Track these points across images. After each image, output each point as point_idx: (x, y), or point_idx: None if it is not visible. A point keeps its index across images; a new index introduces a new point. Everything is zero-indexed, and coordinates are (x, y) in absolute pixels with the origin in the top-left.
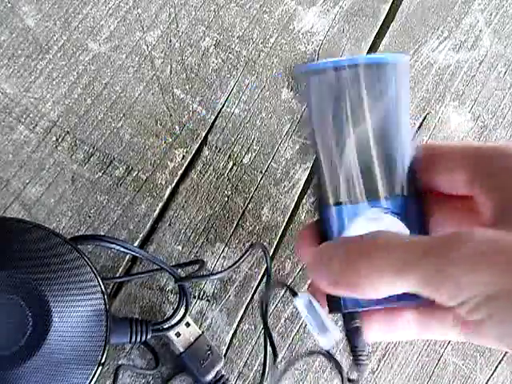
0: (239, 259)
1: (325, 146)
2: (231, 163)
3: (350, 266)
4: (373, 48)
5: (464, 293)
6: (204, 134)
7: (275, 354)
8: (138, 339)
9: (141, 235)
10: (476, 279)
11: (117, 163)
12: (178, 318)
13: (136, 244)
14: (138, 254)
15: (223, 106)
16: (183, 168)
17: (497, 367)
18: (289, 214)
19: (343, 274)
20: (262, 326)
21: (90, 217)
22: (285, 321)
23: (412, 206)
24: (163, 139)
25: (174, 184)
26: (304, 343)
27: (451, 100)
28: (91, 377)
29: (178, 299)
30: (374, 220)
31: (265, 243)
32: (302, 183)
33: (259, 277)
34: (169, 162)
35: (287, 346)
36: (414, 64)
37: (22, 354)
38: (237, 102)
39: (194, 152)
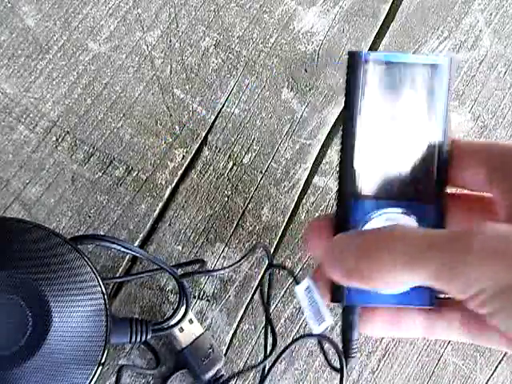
0: (241, 259)
1: (364, 136)
2: (231, 163)
3: (366, 257)
4: (373, 48)
5: (475, 286)
6: (204, 134)
7: (275, 339)
8: (138, 339)
9: (141, 235)
10: (487, 273)
11: (117, 163)
12: (178, 317)
13: (136, 244)
14: (138, 254)
15: (223, 106)
16: (183, 168)
17: (497, 367)
18: (289, 213)
19: (358, 264)
20: (262, 326)
21: (90, 217)
22: (285, 321)
23: (431, 211)
24: (163, 139)
25: (174, 184)
26: (304, 343)
27: (451, 100)
28: (91, 377)
29: (178, 299)
30: (391, 220)
31: (265, 243)
32: (301, 183)
33: (259, 277)
34: (169, 162)
35: (282, 348)
36: None
37: (22, 354)
38: (237, 102)
39: (194, 152)
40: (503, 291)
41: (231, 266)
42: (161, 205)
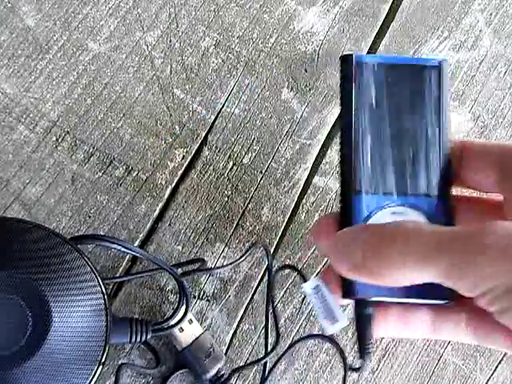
0: (240, 257)
1: (362, 134)
2: (231, 163)
3: (373, 252)
4: (373, 48)
5: (485, 284)
6: (204, 134)
7: (278, 334)
8: (138, 339)
9: (141, 235)
10: (498, 271)
11: (117, 163)
12: (178, 317)
13: (136, 244)
14: (138, 254)
15: (223, 106)
16: (183, 168)
17: (497, 367)
18: (289, 213)
19: (365, 259)
20: (262, 326)
21: (90, 217)
22: (285, 321)
23: (440, 206)
24: (163, 139)
25: (174, 184)
26: (304, 343)
27: (451, 100)
28: (91, 377)
29: (178, 299)
30: (399, 214)
31: (265, 242)
32: (301, 183)
33: (259, 277)
34: (169, 162)
35: (287, 345)
36: None
37: (22, 354)
38: (237, 102)
39: (194, 152)
40: None
41: (231, 263)
42: (161, 205)
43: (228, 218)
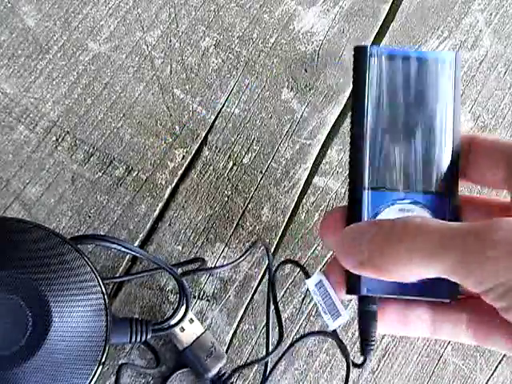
0: (241, 256)
1: (373, 128)
2: (231, 163)
3: (380, 247)
4: None
5: (491, 280)
6: (204, 134)
7: (281, 332)
8: (138, 339)
9: (141, 235)
10: (505, 267)
11: (117, 163)
12: (178, 317)
13: (136, 244)
14: (138, 254)
15: (223, 106)
16: (183, 168)
17: (497, 367)
18: (289, 213)
19: (372, 254)
20: (262, 326)
21: (89, 217)
22: (285, 321)
23: (447, 204)
24: (163, 139)
25: (173, 184)
26: (304, 343)
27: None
28: (91, 377)
29: (178, 299)
30: (406, 211)
31: (265, 241)
32: (301, 183)
33: (259, 277)
34: (169, 162)
35: (287, 345)
36: None
37: (22, 354)
38: (237, 102)
39: (194, 152)
40: None
41: (232, 263)
42: (161, 205)
43: (228, 218)
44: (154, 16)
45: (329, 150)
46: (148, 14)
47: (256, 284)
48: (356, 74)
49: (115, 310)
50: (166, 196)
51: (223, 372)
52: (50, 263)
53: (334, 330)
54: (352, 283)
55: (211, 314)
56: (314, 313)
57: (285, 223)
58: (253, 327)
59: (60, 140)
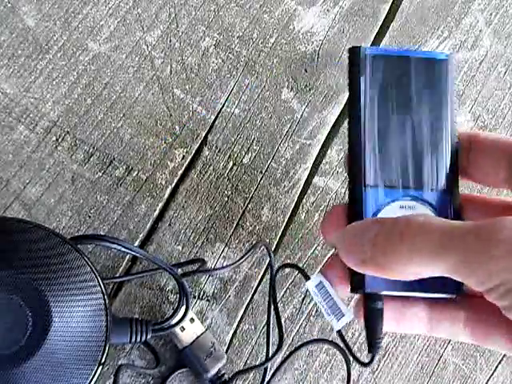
0: (241, 257)
1: (370, 127)
2: (231, 163)
3: (382, 246)
4: None
5: (494, 279)
6: (204, 134)
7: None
8: (138, 339)
9: (141, 235)
10: (508, 266)
11: (117, 163)
12: (178, 317)
13: (136, 244)
14: (138, 254)
15: (223, 106)
16: (183, 168)
17: (497, 367)
18: (289, 213)
19: (374, 253)
20: (262, 326)
21: (89, 217)
22: (285, 321)
23: (447, 202)
24: (163, 139)
25: (173, 184)
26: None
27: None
28: (91, 377)
29: (178, 299)
30: (407, 208)
31: (265, 241)
32: (301, 183)
33: (259, 277)
34: (169, 162)
35: (287, 345)
36: None
37: (22, 354)
38: (237, 102)
39: (194, 152)
40: None
41: (232, 264)
42: (161, 205)
43: (228, 218)
44: (154, 16)
45: (329, 150)
46: (148, 14)
47: (256, 284)
48: (351, 75)
49: (115, 310)
50: (166, 196)
51: (222, 372)
52: (50, 263)
53: (339, 331)
54: (356, 281)
55: (211, 314)
56: (313, 313)
57: (285, 223)
58: (253, 327)
59: (60, 140)
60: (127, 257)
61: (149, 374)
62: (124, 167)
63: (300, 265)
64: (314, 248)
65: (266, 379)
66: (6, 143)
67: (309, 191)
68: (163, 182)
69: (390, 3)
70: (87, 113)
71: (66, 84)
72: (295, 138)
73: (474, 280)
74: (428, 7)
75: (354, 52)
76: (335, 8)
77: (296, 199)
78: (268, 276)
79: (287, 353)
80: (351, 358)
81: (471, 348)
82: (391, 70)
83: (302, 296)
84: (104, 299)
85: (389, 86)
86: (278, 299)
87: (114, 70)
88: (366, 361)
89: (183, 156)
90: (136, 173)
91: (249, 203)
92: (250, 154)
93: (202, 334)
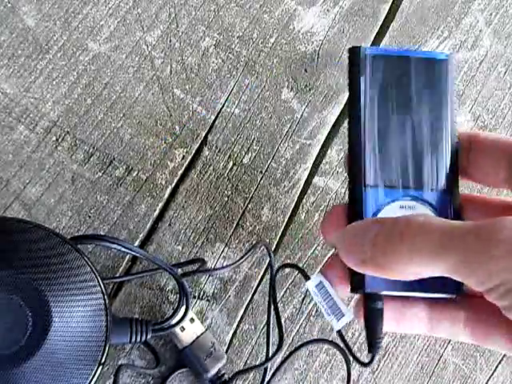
0: (241, 257)
1: (370, 127)
2: (231, 163)
3: (382, 246)
4: None
5: (494, 278)
6: (204, 134)
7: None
8: (138, 339)
9: (141, 235)
10: (508, 266)
11: (117, 163)
12: (178, 317)
13: (136, 244)
14: (138, 254)
15: (223, 106)
16: (183, 168)
17: (497, 367)
18: (289, 213)
19: (374, 253)
20: (262, 326)
21: (89, 217)
22: (285, 321)
23: (447, 201)
24: (163, 139)
25: (173, 184)
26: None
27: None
28: (91, 377)
29: (178, 299)
30: (407, 208)
31: (265, 241)
32: (301, 183)
33: (259, 277)
34: (169, 162)
35: (287, 345)
36: None
37: (22, 354)
38: (237, 102)
39: (194, 152)
40: None
41: (232, 264)
42: (161, 205)
43: (228, 218)
44: (154, 16)
45: (329, 150)
46: (148, 14)
47: (256, 284)
48: (351, 75)
49: (115, 310)
50: (166, 196)
51: (222, 372)
52: (50, 263)
53: (339, 331)
54: (356, 281)
55: (211, 314)
56: (313, 313)
57: (285, 223)
58: (253, 327)
59: (60, 140)
60: (127, 257)
61: (149, 373)
62: (124, 167)
63: (300, 265)
64: (314, 248)
65: (266, 379)
66: (6, 143)
67: (309, 191)
68: (163, 182)
69: (389, 3)
70: (87, 113)
71: (65, 84)
72: (295, 138)
73: (474, 280)
74: (428, 7)
75: (354, 52)
76: (335, 8)
77: (296, 199)
78: (268, 276)
79: (287, 353)
80: (351, 358)
81: (471, 348)
82: (391, 70)
83: (302, 296)
84: (104, 299)
85: (389, 85)
86: (278, 299)
87: (114, 70)
88: (366, 361)
89: (183, 156)
90: (136, 173)
91: (249, 203)
92: (250, 154)
93: (202, 334)
